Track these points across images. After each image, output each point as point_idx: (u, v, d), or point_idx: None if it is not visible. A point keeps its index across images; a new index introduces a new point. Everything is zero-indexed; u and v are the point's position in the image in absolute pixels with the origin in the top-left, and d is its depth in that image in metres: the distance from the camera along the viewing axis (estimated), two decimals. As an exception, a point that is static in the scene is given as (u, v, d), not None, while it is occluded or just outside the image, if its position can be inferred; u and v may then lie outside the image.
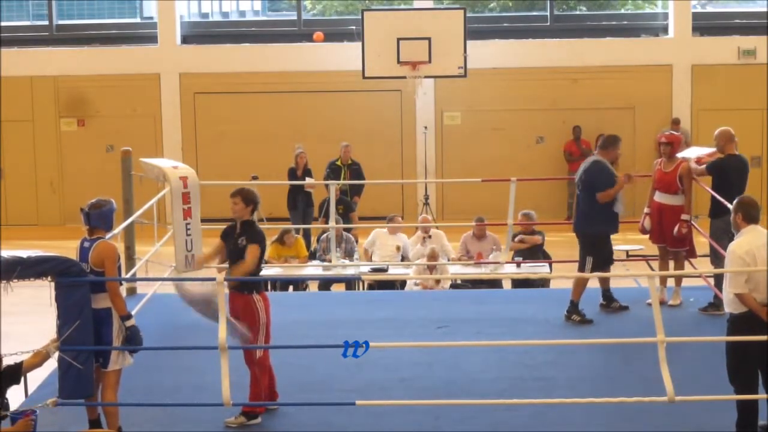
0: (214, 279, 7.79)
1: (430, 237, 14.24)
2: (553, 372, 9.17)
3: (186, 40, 21.05)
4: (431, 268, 13.26)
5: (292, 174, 16.87)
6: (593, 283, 10.89)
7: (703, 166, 10.80)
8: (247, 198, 8.25)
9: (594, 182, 10.45)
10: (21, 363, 7.32)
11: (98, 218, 7.81)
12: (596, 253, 10.48)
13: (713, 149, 11.05)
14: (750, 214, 7.58)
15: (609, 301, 10.86)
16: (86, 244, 7.80)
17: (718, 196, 10.35)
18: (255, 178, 15.93)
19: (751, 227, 7.57)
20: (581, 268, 10.49)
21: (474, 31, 19.40)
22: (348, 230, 14.73)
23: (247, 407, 8.12)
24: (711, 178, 10.71)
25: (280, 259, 13.81)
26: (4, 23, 20.90)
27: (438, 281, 13.24)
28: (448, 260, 13.78)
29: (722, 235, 10.29)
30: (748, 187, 10.69)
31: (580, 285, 10.50)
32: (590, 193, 10.46)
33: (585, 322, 10.46)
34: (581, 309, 10.58)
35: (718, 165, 10.58)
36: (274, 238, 14.20)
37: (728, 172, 10.48)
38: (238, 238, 8.18)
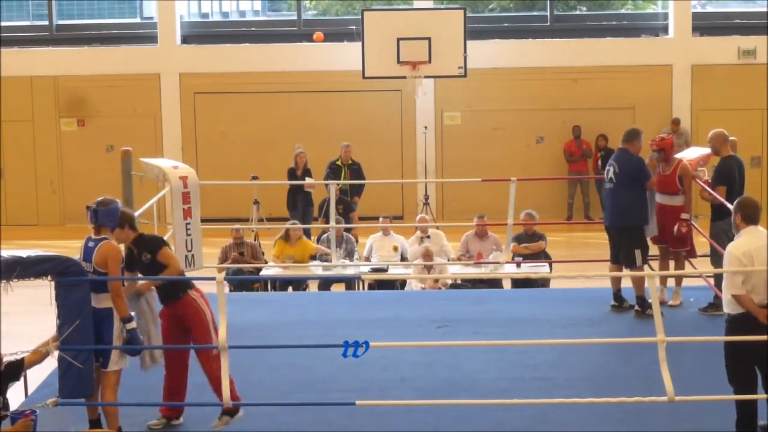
0: (214, 278, 7.78)
1: (429, 237, 14.23)
2: (553, 372, 9.17)
3: (186, 40, 21.05)
4: (428, 268, 13.27)
5: (292, 174, 16.86)
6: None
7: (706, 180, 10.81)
8: (122, 220, 7.90)
9: (637, 174, 10.46)
10: (22, 360, 7.32)
11: (106, 216, 7.80)
12: (642, 245, 10.49)
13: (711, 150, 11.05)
14: (749, 215, 7.57)
15: (620, 302, 10.85)
16: (91, 244, 7.80)
17: (719, 197, 10.34)
18: (255, 178, 15.93)
19: (751, 228, 7.56)
20: (632, 264, 10.41)
21: (474, 31, 19.40)
22: (348, 230, 14.73)
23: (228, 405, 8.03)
24: (715, 180, 10.66)
25: (284, 258, 13.78)
26: (4, 23, 20.90)
27: (436, 281, 13.25)
28: (448, 260, 13.79)
29: (722, 236, 10.29)
30: (747, 187, 10.71)
31: (640, 279, 10.36)
32: (631, 185, 10.43)
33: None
34: (625, 305, 10.69)
35: (721, 170, 10.56)
36: (279, 235, 14.19)
37: (727, 174, 10.49)
38: (140, 255, 7.95)
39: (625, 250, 10.53)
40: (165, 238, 11.00)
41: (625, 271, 10.64)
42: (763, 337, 7.37)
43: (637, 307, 10.58)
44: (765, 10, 20.26)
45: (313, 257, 14.00)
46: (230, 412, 8.03)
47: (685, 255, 10.90)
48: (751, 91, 19.71)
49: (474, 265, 13.46)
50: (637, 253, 10.41)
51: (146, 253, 7.93)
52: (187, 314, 7.95)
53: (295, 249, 13.93)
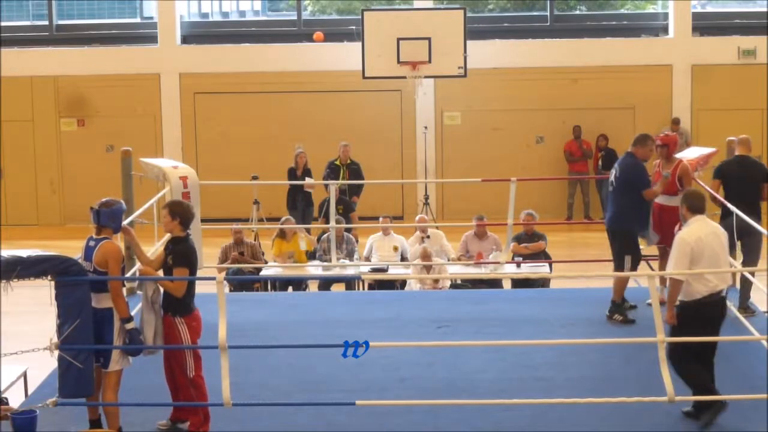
0: (214, 278, 7.78)
1: (428, 237, 14.23)
2: (553, 372, 9.17)
3: (186, 40, 21.05)
4: (427, 268, 13.27)
5: (292, 174, 16.87)
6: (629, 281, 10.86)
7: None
8: (175, 211, 7.91)
9: (634, 180, 10.44)
10: None
11: (108, 216, 7.81)
12: (634, 251, 10.48)
13: (713, 149, 11.05)
14: (695, 205, 8.12)
15: (621, 302, 10.83)
16: (92, 243, 7.81)
17: (713, 192, 10.36)
18: (255, 178, 15.94)
19: (698, 217, 8.08)
20: (620, 268, 10.42)
21: (474, 31, 19.41)
22: (348, 230, 14.73)
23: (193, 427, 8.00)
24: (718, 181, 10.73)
25: (283, 255, 13.81)
26: (4, 23, 20.90)
27: (436, 281, 13.25)
28: (448, 260, 13.79)
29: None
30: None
31: (621, 284, 10.43)
32: (628, 191, 10.42)
33: (627, 321, 10.37)
34: (626, 305, 10.62)
35: (720, 166, 10.62)
36: (274, 235, 14.25)
37: (725, 171, 10.54)
38: (168, 255, 7.93)
39: (615, 254, 10.53)
40: (164, 238, 11.05)
41: (625, 272, 10.63)
42: (763, 337, 7.39)
43: (607, 312, 10.56)
44: (765, 10, 20.27)
45: (311, 254, 14.06)
46: (179, 421, 8.05)
47: (684, 255, 10.88)
48: (751, 91, 19.70)
49: (474, 265, 13.47)
50: (627, 259, 10.39)
51: (170, 258, 7.90)
52: (165, 333, 7.93)
53: (292, 244, 14.00)
